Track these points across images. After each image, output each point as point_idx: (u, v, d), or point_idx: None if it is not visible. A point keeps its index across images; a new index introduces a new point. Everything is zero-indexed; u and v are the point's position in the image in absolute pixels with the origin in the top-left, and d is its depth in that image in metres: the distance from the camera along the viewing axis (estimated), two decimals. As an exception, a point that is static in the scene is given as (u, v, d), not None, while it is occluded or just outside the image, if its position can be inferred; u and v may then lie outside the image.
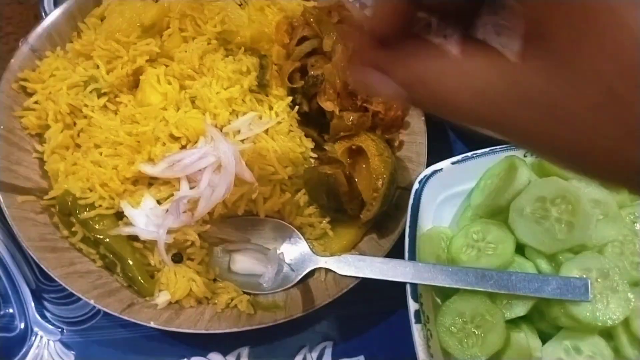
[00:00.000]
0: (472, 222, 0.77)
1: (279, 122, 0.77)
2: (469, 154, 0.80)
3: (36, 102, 0.75)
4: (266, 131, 0.77)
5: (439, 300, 0.72)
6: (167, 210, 0.67)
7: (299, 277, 0.72)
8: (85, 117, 0.74)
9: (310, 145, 0.80)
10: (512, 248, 0.70)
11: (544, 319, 0.69)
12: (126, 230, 0.68)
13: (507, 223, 0.72)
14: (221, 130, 0.73)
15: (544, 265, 0.70)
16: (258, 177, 0.74)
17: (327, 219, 0.77)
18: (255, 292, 0.73)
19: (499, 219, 0.76)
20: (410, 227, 0.73)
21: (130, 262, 0.69)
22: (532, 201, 0.73)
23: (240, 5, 0.85)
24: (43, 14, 0.87)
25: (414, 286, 0.69)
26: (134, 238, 0.71)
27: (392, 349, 0.76)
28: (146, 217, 0.67)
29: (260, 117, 0.78)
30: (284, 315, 0.69)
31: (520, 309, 0.67)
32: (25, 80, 0.76)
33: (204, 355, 0.74)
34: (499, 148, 0.80)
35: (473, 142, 0.85)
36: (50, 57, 0.78)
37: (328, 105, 0.80)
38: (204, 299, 0.71)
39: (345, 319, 0.77)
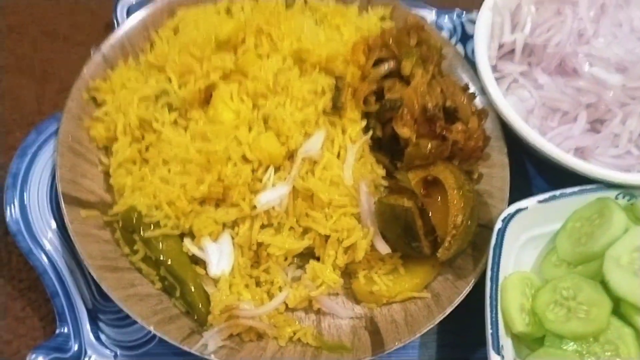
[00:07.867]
0: (560, 274, 0.70)
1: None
2: (557, 192, 0.73)
3: (105, 114, 0.73)
4: (337, 155, 0.73)
5: (522, 352, 0.66)
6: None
7: None
8: (154, 131, 0.71)
9: (382, 172, 0.76)
10: (607, 313, 0.63)
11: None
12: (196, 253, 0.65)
13: (599, 275, 0.66)
14: (293, 156, 0.70)
15: (644, 324, 0.62)
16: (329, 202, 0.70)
17: (399, 254, 0.72)
18: None
19: (588, 268, 0.69)
20: (492, 269, 0.67)
21: (192, 288, 0.65)
22: (630, 250, 0.66)
23: (316, 22, 0.82)
24: (116, 23, 0.85)
25: (496, 337, 0.63)
26: (197, 262, 0.68)
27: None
28: (220, 254, 0.65)
29: (333, 141, 0.74)
30: (352, 358, 0.64)
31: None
32: (96, 89, 0.74)
33: (260, 391, 0.69)
34: (590, 188, 0.74)
35: (556, 178, 0.78)
36: (122, 67, 0.76)
37: (405, 132, 0.75)
38: (264, 334, 0.66)
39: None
